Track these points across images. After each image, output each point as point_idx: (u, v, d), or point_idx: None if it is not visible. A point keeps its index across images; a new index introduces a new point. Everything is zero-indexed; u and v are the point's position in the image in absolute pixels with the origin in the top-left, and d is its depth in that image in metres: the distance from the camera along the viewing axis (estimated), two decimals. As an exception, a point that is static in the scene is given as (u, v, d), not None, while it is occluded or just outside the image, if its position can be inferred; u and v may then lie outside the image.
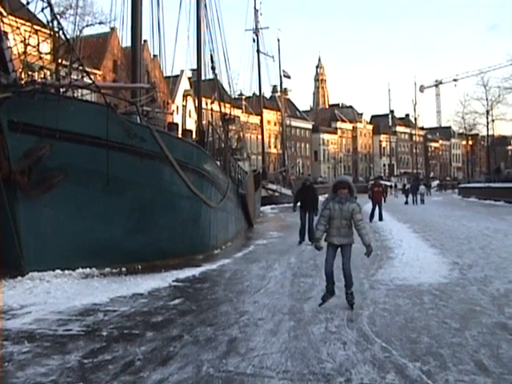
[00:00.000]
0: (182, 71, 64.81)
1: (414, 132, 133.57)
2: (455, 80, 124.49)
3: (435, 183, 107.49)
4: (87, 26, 37.96)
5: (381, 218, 27.96)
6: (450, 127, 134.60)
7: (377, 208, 28.44)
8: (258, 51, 61.28)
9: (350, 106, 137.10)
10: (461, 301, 9.64)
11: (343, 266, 9.08)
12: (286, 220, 34.42)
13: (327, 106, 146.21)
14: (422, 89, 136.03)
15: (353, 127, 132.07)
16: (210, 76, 30.45)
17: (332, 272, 9.13)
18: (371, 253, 9.02)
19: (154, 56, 30.38)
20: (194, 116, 32.14)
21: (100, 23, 40.56)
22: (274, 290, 10.99)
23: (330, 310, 9.00)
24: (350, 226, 9.01)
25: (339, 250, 9.11)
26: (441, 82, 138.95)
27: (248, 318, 8.61)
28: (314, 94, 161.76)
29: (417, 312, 8.83)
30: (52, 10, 13.20)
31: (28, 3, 12.77)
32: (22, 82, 12.24)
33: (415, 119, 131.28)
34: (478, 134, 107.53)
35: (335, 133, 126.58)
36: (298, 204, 19.74)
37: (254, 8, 61.85)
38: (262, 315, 8.76)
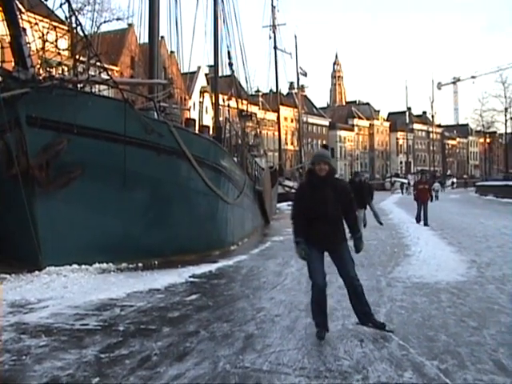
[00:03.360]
0: (199, 67, 64.79)
1: (431, 129, 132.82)
2: (473, 77, 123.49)
3: (450, 181, 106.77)
4: (105, 22, 37.95)
5: (426, 223, 23.66)
6: (467, 125, 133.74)
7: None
8: (275, 48, 61.18)
9: (367, 103, 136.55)
10: (479, 299, 9.56)
11: None
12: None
13: (344, 103, 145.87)
14: (439, 86, 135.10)
15: (370, 124, 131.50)
16: (227, 72, 30.47)
17: None
18: None
19: (171, 52, 30.39)
20: (211, 112, 32.15)
21: (118, 19, 40.58)
22: (290, 286, 10.98)
23: (347, 307, 8.96)
24: None
25: None
26: (459, 79, 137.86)
27: (265, 314, 8.59)
28: (330, 90, 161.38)
29: (434, 310, 8.77)
30: (70, 6, 13.25)
31: (47, -1, 12.82)
32: (40, 78, 12.29)
33: (432, 116, 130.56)
34: (495, 132, 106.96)
35: (352, 130, 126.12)
36: None
37: (272, 4, 61.82)
38: (279, 312, 8.74)
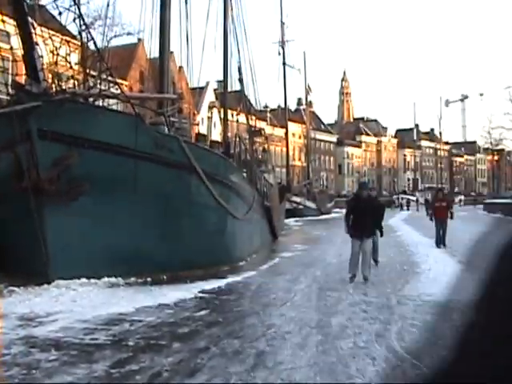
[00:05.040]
0: (208, 83, 65.02)
1: (438, 146, 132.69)
2: (481, 94, 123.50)
3: (458, 199, 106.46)
4: (115, 36, 38.18)
5: (443, 243, 21.54)
6: (475, 142, 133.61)
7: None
8: (284, 64, 61.35)
9: (375, 120, 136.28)
10: (491, 318, 9.45)
11: None
12: (310, 233, 34.34)
13: (352, 120, 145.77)
14: (447, 103, 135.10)
15: (377, 141, 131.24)
16: (236, 88, 30.50)
17: None
18: None
19: (180, 67, 30.49)
20: (219, 127, 32.19)
21: (128, 34, 40.82)
22: (300, 303, 10.91)
23: (358, 325, 8.90)
24: None
25: None
26: (466, 97, 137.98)
27: (275, 331, 8.53)
28: (338, 107, 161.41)
29: (446, 329, 8.66)
30: (83, 20, 13.33)
31: (60, 14, 12.90)
32: (52, 91, 12.33)
33: (440, 134, 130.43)
34: (503, 150, 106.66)
35: (359, 146, 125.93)
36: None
37: (281, 21, 62.06)
38: (289, 328, 8.68)
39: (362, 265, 13.24)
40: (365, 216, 13.32)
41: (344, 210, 16.81)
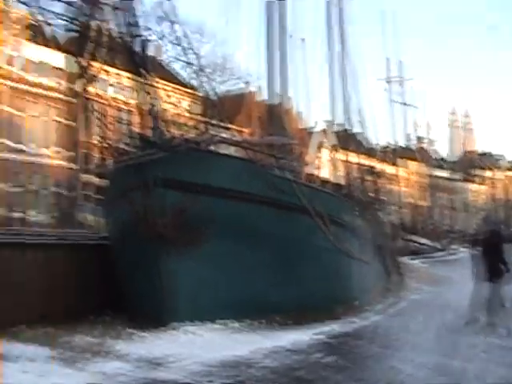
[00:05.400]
0: (319, 123, 65.15)
1: None
2: None
3: None
4: (228, 81, 39.20)
5: None
6: None
7: None
8: (404, 103, 60.98)
9: (498, 154, 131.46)
10: None
11: None
12: (427, 271, 33.26)
13: (473, 155, 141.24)
14: None
15: (497, 175, 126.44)
16: (349, 127, 30.42)
17: None
18: None
19: (292, 108, 30.71)
20: (330, 167, 32.10)
21: (241, 80, 41.77)
22: (429, 347, 10.44)
23: (482, 366, 8.47)
24: None
25: None
26: None
27: (399, 375, 8.22)
28: (458, 142, 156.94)
29: None
30: (204, 73, 13.82)
31: (182, 67, 13.47)
32: (175, 141, 12.78)
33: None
34: None
35: (483, 182, 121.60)
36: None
37: (386, 58, 61.98)
38: (413, 372, 8.35)
39: (488, 310, 11.98)
40: (491, 255, 12.11)
41: (464, 249, 16.11)
